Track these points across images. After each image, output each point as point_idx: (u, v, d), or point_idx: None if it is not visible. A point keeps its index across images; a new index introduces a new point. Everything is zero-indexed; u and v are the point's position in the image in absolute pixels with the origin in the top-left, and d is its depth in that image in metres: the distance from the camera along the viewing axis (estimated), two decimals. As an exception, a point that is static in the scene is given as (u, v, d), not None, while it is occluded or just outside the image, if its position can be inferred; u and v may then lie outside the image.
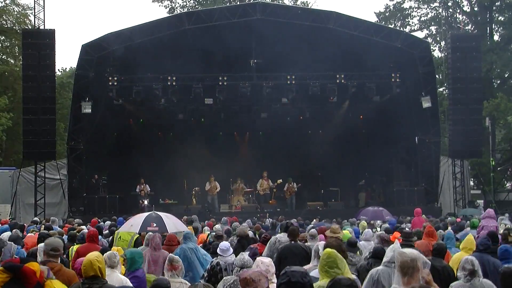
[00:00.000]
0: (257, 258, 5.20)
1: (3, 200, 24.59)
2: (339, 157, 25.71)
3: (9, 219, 20.12)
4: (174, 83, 22.62)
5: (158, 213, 10.01)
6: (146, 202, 22.78)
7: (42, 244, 7.49)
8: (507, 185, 35.27)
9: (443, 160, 24.88)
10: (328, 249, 5.11)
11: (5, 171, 26.14)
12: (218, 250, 7.65)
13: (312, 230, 9.32)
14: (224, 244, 7.75)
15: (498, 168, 31.39)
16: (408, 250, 4.59)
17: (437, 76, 28.75)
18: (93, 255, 5.26)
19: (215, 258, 7.64)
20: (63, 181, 23.63)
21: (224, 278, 5.81)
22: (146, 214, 9.96)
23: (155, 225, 9.31)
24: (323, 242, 6.55)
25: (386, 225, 13.07)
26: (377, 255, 6.67)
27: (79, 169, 22.80)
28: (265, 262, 5.06)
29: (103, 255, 5.86)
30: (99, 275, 5.10)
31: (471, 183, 31.52)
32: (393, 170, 25.19)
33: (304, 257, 7.54)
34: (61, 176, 23.83)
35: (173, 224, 9.76)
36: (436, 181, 23.86)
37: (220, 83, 22.68)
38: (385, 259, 5.72)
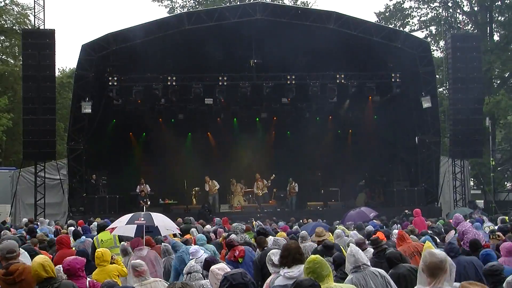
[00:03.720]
0: (212, 267, 5.20)
1: (3, 200, 24.57)
2: (339, 157, 25.71)
3: (9, 218, 20.14)
4: (174, 83, 22.61)
5: (150, 212, 10.06)
6: (149, 203, 22.78)
7: None
8: (507, 185, 35.28)
9: (443, 160, 24.87)
10: (313, 256, 4.91)
11: (5, 171, 26.13)
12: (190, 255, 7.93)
13: (303, 232, 9.38)
14: (194, 247, 8.14)
15: (498, 168, 31.39)
16: (437, 251, 4.54)
17: (437, 76, 28.73)
18: (41, 258, 5.29)
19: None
20: (63, 181, 23.62)
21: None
22: (134, 213, 10.05)
23: (142, 219, 9.34)
24: (278, 251, 6.23)
25: (370, 227, 12.92)
26: (341, 264, 6.60)
27: (79, 169, 22.79)
28: (221, 268, 5.09)
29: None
30: (53, 276, 5.17)
31: (471, 183, 31.51)
32: (393, 170, 25.18)
33: None
34: (61, 176, 23.81)
35: (161, 221, 9.75)
36: (436, 181, 23.85)
37: (220, 83, 22.67)
38: (351, 265, 5.59)
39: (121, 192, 23.41)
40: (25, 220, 18.08)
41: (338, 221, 16.54)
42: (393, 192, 23.81)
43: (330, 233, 10.48)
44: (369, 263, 5.65)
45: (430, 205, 22.79)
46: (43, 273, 5.13)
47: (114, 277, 7.08)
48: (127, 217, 9.62)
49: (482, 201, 29.07)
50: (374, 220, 15.32)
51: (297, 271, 5.18)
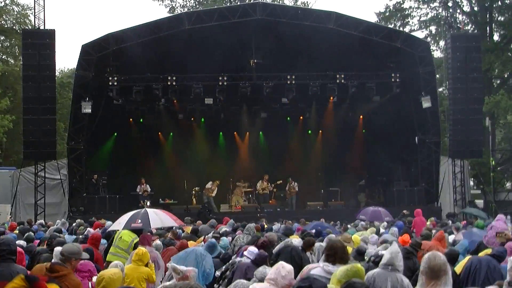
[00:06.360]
0: (280, 262, 5.21)
1: (3, 200, 24.57)
2: (339, 157, 25.71)
3: (9, 217, 20.16)
4: (174, 83, 22.62)
5: (148, 210, 9.96)
6: (148, 203, 22.79)
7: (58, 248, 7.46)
8: (507, 185, 35.21)
9: (443, 160, 24.86)
10: (359, 266, 5.10)
11: (5, 171, 26.12)
12: (246, 252, 7.78)
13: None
14: (253, 248, 7.91)
15: (498, 168, 31.32)
16: (438, 253, 4.53)
17: (437, 76, 28.71)
18: (110, 272, 5.26)
19: (238, 258, 7.75)
20: (63, 181, 23.63)
21: (237, 281, 5.83)
22: (134, 212, 9.92)
23: (139, 221, 9.27)
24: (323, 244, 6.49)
25: (394, 228, 12.92)
26: (378, 263, 6.48)
27: (79, 169, 22.80)
28: (286, 268, 5.07)
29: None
30: None
31: (471, 183, 31.48)
32: (393, 170, 25.17)
33: (296, 265, 7.49)
34: (61, 176, 23.82)
35: (159, 220, 9.65)
36: (436, 181, 23.85)
37: (220, 83, 22.69)
38: (382, 261, 5.59)
39: (121, 192, 23.42)
40: (41, 221, 18.16)
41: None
42: (393, 192, 23.82)
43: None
44: (400, 268, 5.55)
45: (430, 205, 22.78)
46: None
47: (142, 280, 7.08)
48: (125, 218, 9.56)
49: (482, 201, 29.05)
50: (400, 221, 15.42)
51: (337, 268, 5.42)
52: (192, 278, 5.93)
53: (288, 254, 7.90)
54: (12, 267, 5.66)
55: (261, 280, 5.59)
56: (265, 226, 14.86)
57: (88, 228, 13.30)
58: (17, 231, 13.33)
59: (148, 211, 9.69)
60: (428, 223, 15.86)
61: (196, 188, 24.76)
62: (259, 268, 6.02)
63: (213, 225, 14.60)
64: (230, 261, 7.81)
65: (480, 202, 28.04)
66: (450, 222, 16.69)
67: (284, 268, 5.07)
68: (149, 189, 23.75)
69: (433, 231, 11.22)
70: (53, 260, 6.56)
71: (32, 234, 11.83)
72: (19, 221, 18.56)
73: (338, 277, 5.05)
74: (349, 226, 15.24)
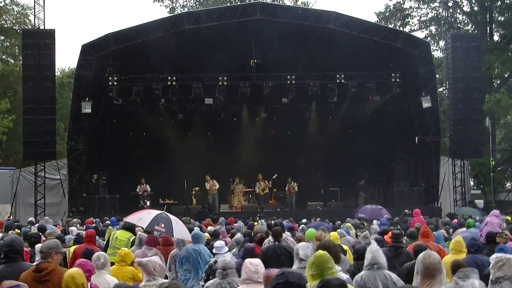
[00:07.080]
0: (246, 260, 5.16)
1: (3, 200, 24.57)
2: (339, 157, 25.71)
3: (8, 217, 20.14)
4: (174, 83, 22.63)
5: (169, 215, 9.87)
6: (148, 203, 22.78)
7: (39, 245, 7.49)
8: (507, 185, 35.24)
9: (443, 160, 24.87)
10: (320, 251, 5.00)
11: (5, 171, 26.12)
12: (213, 249, 7.82)
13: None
14: (219, 242, 7.97)
15: (498, 168, 31.36)
16: (433, 252, 4.54)
17: (437, 76, 28.72)
18: (73, 270, 5.27)
19: (213, 258, 7.70)
20: (63, 181, 23.63)
21: (208, 283, 5.85)
22: (156, 212, 9.86)
23: (163, 225, 9.23)
24: (307, 244, 6.29)
25: (375, 227, 12.94)
26: (361, 257, 6.32)
27: (79, 169, 22.80)
28: (253, 263, 5.01)
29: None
30: None
31: (471, 183, 31.48)
32: (393, 170, 25.18)
33: (288, 258, 7.48)
34: (61, 176, 23.82)
35: (179, 230, 9.60)
36: (436, 181, 23.85)
37: (220, 83, 22.69)
38: (365, 262, 5.55)
39: (121, 192, 23.41)
40: (31, 219, 18.18)
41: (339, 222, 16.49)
42: (393, 192, 23.81)
43: (329, 234, 10.41)
44: (385, 265, 5.54)
45: (430, 205, 22.78)
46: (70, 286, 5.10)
47: (128, 279, 7.16)
48: (148, 216, 9.42)
49: (482, 201, 29.03)
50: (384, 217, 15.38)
51: None
52: (158, 262, 6.17)
53: (274, 256, 7.66)
54: (21, 265, 5.74)
55: (224, 268, 5.70)
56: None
57: (71, 227, 13.28)
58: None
59: (171, 218, 9.47)
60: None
61: (196, 188, 24.73)
62: (219, 258, 5.99)
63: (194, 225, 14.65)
64: (207, 265, 7.63)
65: (480, 202, 28.02)
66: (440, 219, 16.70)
67: (251, 263, 5.01)
68: (149, 189, 23.73)
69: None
70: (36, 258, 6.61)
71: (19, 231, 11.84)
72: (6, 219, 18.54)
73: (309, 272, 4.88)
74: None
